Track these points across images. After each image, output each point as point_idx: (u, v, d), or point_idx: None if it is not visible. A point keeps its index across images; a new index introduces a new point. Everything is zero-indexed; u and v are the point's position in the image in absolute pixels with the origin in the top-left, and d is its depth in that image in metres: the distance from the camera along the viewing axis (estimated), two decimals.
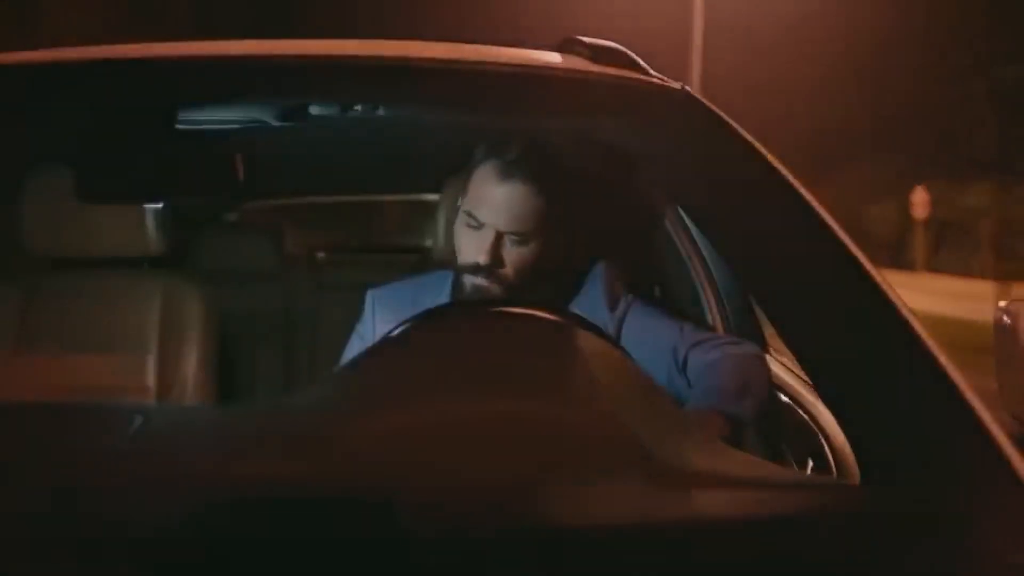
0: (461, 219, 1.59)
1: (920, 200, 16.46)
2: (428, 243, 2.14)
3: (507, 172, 1.55)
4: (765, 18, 16.99)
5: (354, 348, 1.69)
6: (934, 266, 17.81)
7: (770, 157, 1.21)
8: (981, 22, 18.00)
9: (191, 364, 1.96)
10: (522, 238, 1.56)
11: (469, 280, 1.57)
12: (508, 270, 1.56)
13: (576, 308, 1.57)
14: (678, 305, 2.01)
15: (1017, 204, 16.49)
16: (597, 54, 1.43)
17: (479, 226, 1.56)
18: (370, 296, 1.74)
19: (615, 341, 1.43)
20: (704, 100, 1.36)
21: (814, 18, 17.70)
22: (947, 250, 18.36)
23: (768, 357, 1.75)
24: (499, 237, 1.55)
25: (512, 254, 1.56)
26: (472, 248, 1.56)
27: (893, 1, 18.01)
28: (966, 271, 16.63)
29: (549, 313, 1.13)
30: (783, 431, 1.67)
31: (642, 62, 1.44)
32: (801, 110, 19.72)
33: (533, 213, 1.55)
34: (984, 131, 18.09)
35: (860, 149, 19.95)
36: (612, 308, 1.61)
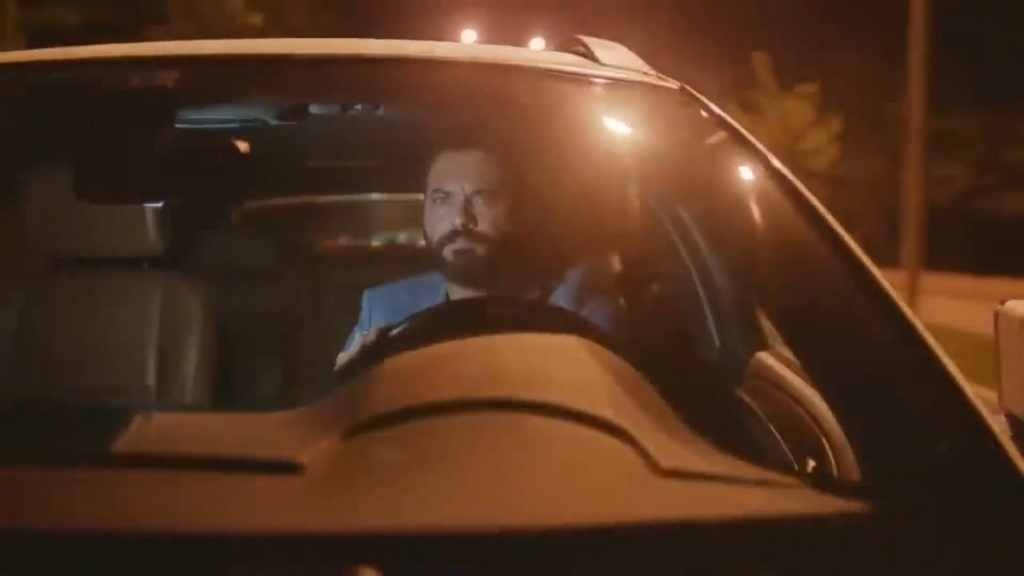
0: (430, 200, 1.64)
1: None
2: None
3: (464, 143, 1.61)
4: None
5: (352, 349, 1.69)
6: None
7: (770, 156, 1.21)
8: None
9: (191, 364, 1.95)
10: (491, 198, 1.59)
11: (449, 249, 1.60)
12: (484, 229, 1.59)
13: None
14: (678, 305, 2.00)
15: None
16: (597, 53, 1.43)
17: (447, 195, 1.61)
18: (367, 297, 1.75)
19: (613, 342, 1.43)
20: (704, 99, 1.36)
21: None
22: None
23: (769, 356, 1.75)
24: (468, 200, 1.59)
25: (485, 216, 1.59)
26: (445, 218, 1.61)
27: None
28: None
29: (543, 310, 1.13)
30: (783, 431, 1.67)
31: (642, 61, 1.44)
32: None
33: (497, 172, 1.60)
34: None
35: None
36: (577, 310, 1.62)
